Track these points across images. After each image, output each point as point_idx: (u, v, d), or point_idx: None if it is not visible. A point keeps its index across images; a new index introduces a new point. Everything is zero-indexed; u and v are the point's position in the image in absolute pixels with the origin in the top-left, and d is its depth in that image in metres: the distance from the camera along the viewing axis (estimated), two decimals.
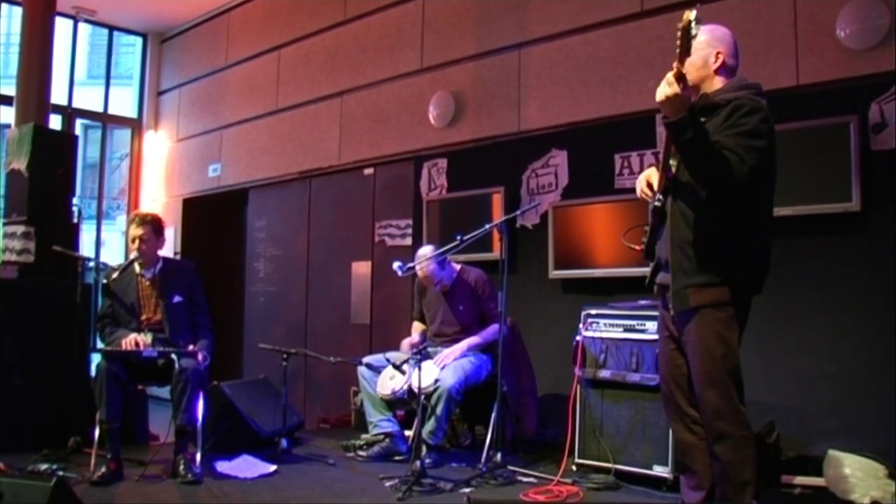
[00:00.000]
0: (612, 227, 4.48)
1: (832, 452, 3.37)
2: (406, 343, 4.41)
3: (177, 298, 4.05)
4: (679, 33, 2.24)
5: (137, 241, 3.98)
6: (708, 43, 2.54)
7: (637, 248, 2.78)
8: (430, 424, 3.97)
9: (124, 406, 3.75)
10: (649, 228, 2.68)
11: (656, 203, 2.59)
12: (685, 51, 2.26)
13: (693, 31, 2.22)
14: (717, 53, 2.57)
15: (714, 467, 2.51)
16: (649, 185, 2.64)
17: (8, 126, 5.56)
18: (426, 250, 4.39)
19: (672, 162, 2.56)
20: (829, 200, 3.68)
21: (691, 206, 2.50)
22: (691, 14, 2.19)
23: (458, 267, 4.47)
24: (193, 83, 8.06)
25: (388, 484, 3.58)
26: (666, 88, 2.29)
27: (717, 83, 2.57)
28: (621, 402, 3.68)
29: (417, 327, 4.62)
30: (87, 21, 8.01)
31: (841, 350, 3.69)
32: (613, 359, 3.72)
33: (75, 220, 4.94)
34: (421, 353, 3.85)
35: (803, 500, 3.32)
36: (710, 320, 2.47)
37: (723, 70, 2.59)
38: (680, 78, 2.27)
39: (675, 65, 2.28)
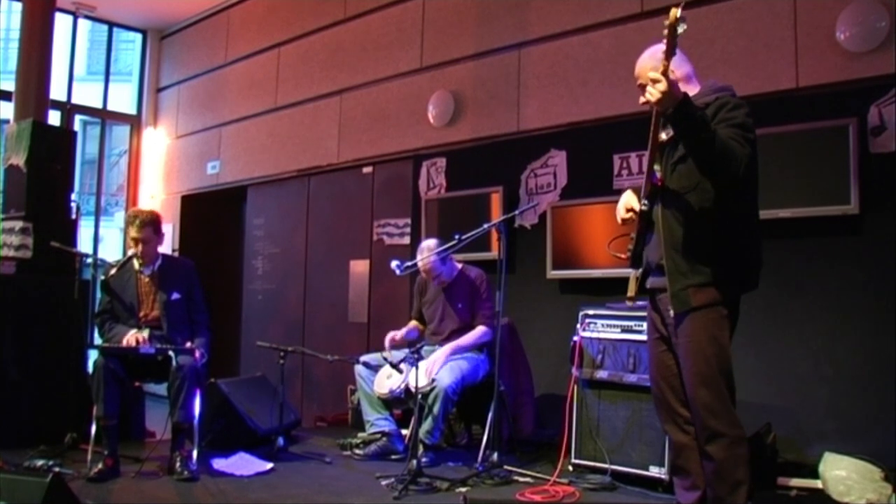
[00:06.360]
0: (610, 228, 4.42)
1: (828, 454, 3.37)
2: (388, 337, 4.36)
3: (175, 296, 4.05)
4: (666, 31, 2.27)
5: (140, 245, 3.97)
6: (655, 69, 2.37)
7: (623, 256, 2.81)
8: (426, 424, 3.97)
9: (121, 402, 3.75)
10: (636, 234, 2.71)
11: (642, 207, 2.62)
12: (672, 48, 2.29)
13: (679, 29, 2.24)
14: (671, 71, 2.47)
15: (706, 467, 2.51)
16: (629, 209, 2.69)
17: (7, 121, 5.55)
18: (430, 243, 4.38)
19: (657, 167, 2.60)
20: (828, 203, 3.68)
21: (683, 208, 2.53)
22: (678, 11, 2.22)
23: (459, 265, 4.46)
24: (193, 80, 8.05)
25: (384, 483, 3.58)
26: (658, 86, 2.30)
27: (691, 91, 2.57)
28: (618, 403, 3.68)
29: (413, 325, 4.60)
30: (86, 17, 7.99)
31: (838, 352, 3.69)
32: (611, 359, 3.72)
33: (73, 217, 4.92)
34: (417, 353, 3.85)
35: (799, 503, 3.32)
36: (703, 320, 2.50)
37: (685, 78, 2.61)
38: (665, 73, 2.30)
39: (662, 63, 2.31)
